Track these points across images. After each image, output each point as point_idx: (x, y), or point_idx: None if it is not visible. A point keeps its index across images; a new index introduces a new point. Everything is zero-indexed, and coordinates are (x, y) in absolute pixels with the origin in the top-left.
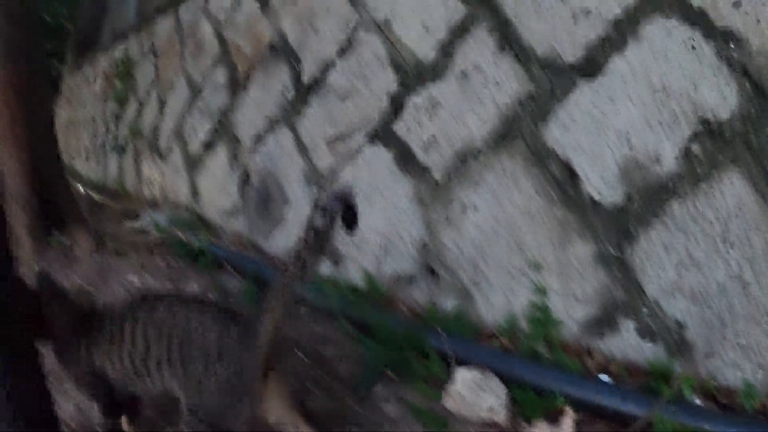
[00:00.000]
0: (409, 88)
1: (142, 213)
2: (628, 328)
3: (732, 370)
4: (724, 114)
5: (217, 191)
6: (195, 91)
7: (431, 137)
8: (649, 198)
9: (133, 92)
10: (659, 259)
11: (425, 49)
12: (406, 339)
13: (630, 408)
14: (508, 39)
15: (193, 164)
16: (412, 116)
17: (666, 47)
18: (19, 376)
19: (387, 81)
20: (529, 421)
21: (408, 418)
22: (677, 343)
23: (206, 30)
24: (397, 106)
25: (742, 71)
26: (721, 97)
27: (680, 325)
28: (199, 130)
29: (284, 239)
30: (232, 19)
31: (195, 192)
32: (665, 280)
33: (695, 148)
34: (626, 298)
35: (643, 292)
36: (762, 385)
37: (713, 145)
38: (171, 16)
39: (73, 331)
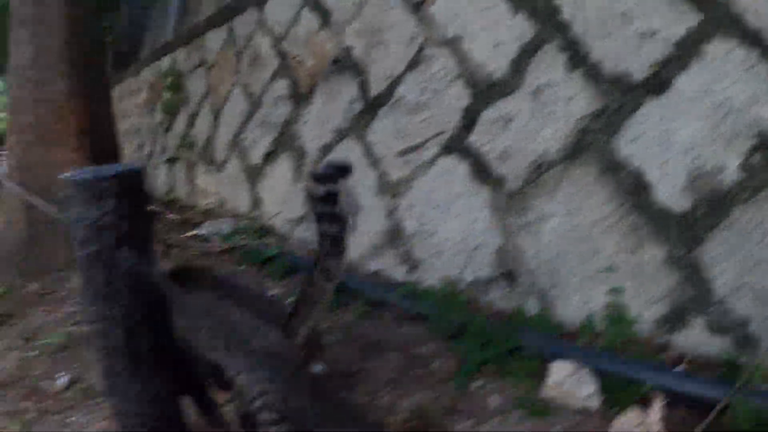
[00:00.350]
0: (482, 103)
1: (200, 222)
2: (698, 324)
3: None
4: None
5: (281, 201)
6: (253, 103)
7: (505, 149)
8: (715, 205)
9: (183, 104)
10: (725, 260)
11: (496, 66)
12: (498, 337)
13: (710, 394)
14: (578, 57)
15: (253, 174)
16: (485, 129)
17: (726, 66)
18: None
19: (458, 95)
20: (620, 409)
21: (510, 408)
22: (743, 337)
23: (263, 43)
24: (469, 119)
25: None
26: None
27: (746, 321)
28: (259, 141)
29: (357, 246)
30: (292, 33)
31: (256, 201)
32: (731, 280)
33: (755, 159)
34: (696, 296)
35: (711, 291)
36: None
37: None
38: (223, 30)
39: None
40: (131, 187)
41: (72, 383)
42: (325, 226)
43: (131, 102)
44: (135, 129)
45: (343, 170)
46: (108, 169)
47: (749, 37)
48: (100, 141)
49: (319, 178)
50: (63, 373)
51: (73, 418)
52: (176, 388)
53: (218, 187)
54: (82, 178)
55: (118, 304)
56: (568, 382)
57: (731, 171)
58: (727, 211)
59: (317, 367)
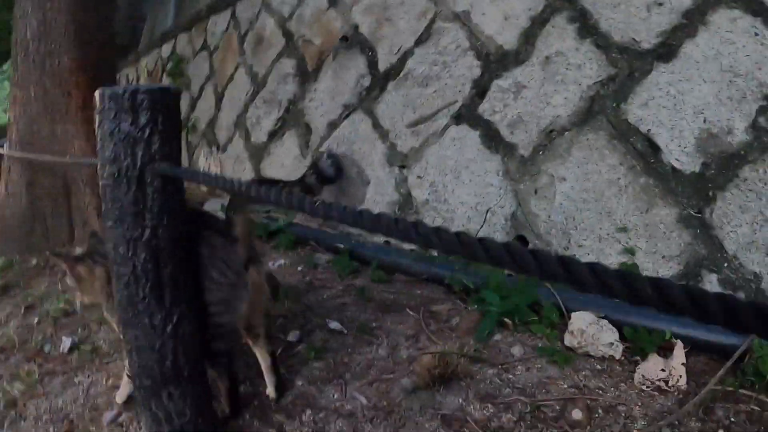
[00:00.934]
0: (493, 73)
1: (202, 201)
2: (711, 280)
3: None
4: None
5: (286, 176)
6: (258, 83)
7: (517, 116)
8: (724, 165)
9: (184, 88)
10: (736, 218)
11: (507, 37)
12: (516, 292)
13: (728, 341)
14: (588, 27)
15: (257, 153)
16: (497, 98)
17: (732, 33)
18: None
19: (469, 66)
20: (642, 356)
21: (533, 357)
22: (756, 292)
23: (268, 24)
24: (480, 89)
25: None
26: None
27: (757, 276)
28: (264, 120)
29: None
30: (299, 13)
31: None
32: (742, 237)
33: (762, 120)
34: (708, 254)
35: (723, 248)
36: None
37: None
38: (227, 14)
39: None
40: (166, 104)
41: (77, 346)
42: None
43: None
44: None
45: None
46: (142, 86)
47: (753, 6)
48: None
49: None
50: (67, 337)
51: (80, 378)
52: (198, 325)
53: (221, 168)
54: (118, 91)
55: (146, 225)
56: (590, 330)
57: (739, 132)
58: (737, 171)
59: (333, 324)
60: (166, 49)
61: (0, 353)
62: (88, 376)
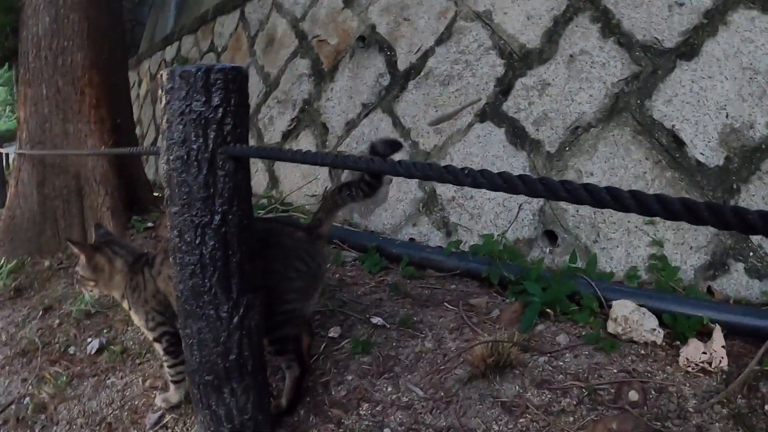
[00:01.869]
0: (517, 71)
1: None
2: (738, 269)
3: None
4: None
5: (302, 177)
6: (270, 83)
7: (542, 113)
8: (747, 158)
9: None
10: (759, 207)
11: (530, 36)
12: (556, 283)
13: (764, 323)
14: (610, 27)
15: None
16: (521, 96)
17: (751, 32)
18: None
19: (492, 65)
20: (682, 341)
21: (579, 344)
22: None
23: (280, 24)
24: (504, 87)
25: None
26: None
27: None
28: (278, 119)
29: (389, 216)
30: (312, 14)
31: (274, 181)
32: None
33: None
34: (734, 244)
35: (748, 238)
36: None
37: None
38: (234, 15)
39: None
40: (239, 84)
41: (105, 347)
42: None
43: (131, 94)
44: (136, 120)
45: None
46: (215, 65)
47: None
48: (117, 113)
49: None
50: (92, 338)
51: (112, 379)
52: (262, 316)
53: None
54: (190, 69)
55: (216, 210)
56: (633, 317)
57: (761, 127)
58: (759, 164)
59: (375, 319)
60: (170, 52)
61: (22, 356)
62: (121, 377)
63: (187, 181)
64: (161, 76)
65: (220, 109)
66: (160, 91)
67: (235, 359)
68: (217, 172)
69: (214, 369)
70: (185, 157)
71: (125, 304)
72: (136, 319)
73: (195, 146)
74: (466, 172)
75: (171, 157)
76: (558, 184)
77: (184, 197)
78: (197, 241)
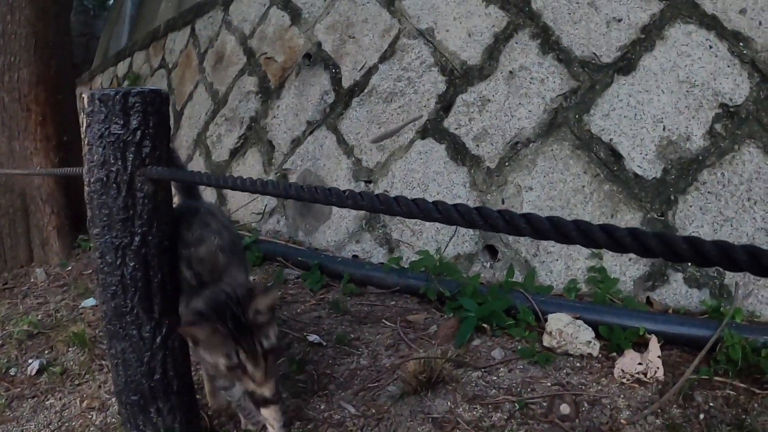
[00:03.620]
0: (458, 87)
1: None
2: (677, 279)
3: (767, 307)
4: (738, 99)
5: (249, 195)
6: (218, 100)
7: (482, 129)
8: (684, 170)
9: None
10: (697, 219)
11: (471, 53)
12: (492, 297)
13: (699, 333)
14: (550, 43)
15: (219, 171)
16: (462, 112)
17: (687, 47)
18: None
19: (434, 82)
20: (619, 353)
21: (514, 359)
22: (719, 288)
23: (229, 41)
24: (445, 103)
25: (751, 64)
26: (735, 85)
27: (720, 274)
28: (226, 137)
29: (333, 234)
30: (260, 31)
31: (222, 198)
32: (704, 237)
33: (718, 127)
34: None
35: None
36: None
37: (732, 124)
38: (185, 32)
39: None
40: (158, 107)
41: (45, 368)
42: None
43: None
44: None
45: None
46: (133, 88)
47: (706, 21)
48: (63, 131)
49: None
50: (34, 359)
51: (51, 401)
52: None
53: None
54: (108, 93)
55: (135, 231)
56: (568, 330)
57: (697, 138)
58: (696, 175)
59: (312, 337)
60: (122, 68)
61: None
62: (60, 398)
63: (107, 203)
64: (82, 99)
65: (139, 132)
66: (81, 114)
67: (160, 379)
68: (136, 194)
69: (140, 389)
70: (105, 179)
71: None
72: None
73: (114, 168)
74: (399, 202)
75: (91, 179)
76: (496, 214)
77: (105, 219)
78: (118, 263)
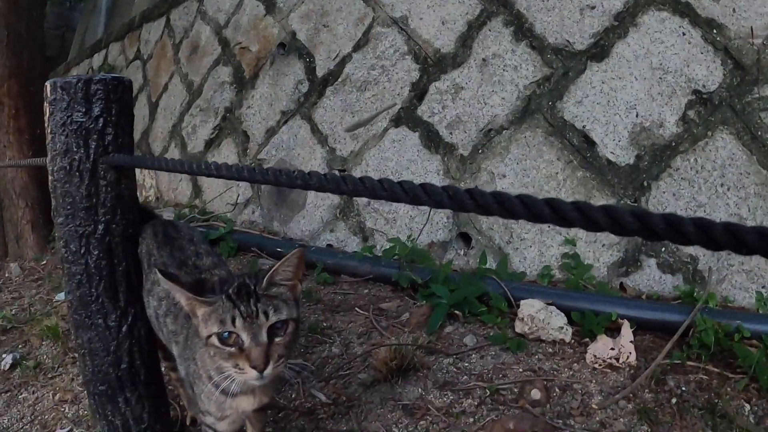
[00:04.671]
0: (431, 76)
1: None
2: (650, 265)
3: (740, 292)
4: (712, 85)
5: (224, 185)
6: (193, 91)
7: (455, 117)
8: (657, 156)
9: None
10: (670, 205)
11: (444, 41)
12: (464, 285)
13: (672, 318)
14: (523, 30)
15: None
16: (435, 100)
17: (661, 33)
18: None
19: (408, 70)
20: (591, 338)
21: (486, 345)
22: (692, 273)
23: (204, 32)
24: (419, 91)
25: (724, 51)
26: (708, 72)
27: (693, 258)
28: (201, 128)
29: (308, 223)
30: (235, 21)
31: (197, 190)
32: None
33: (691, 113)
34: (646, 241)
35: None
36: None
37: (705, 111)
38: (160, 23)
39: None
40: (120, 95)
41: (18, 362)
42: None
43: None
44: None
45: None
46: (96, 75)
47: (680, 8)
48: (37, 124)
49: None
50: (7, 354)
51: (24, 395)
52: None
53: (156, 179)
54: (69, 81)
55: (99, 219)
56: (540, 316)
57: (670, 125)
58: (669, 161)
59: None
60: (97, 60)
61: None
62: (33, 392)
63: (70, 191)
64: (46, 87)
65: (101, 120)
66: (45, 103)
67: (127, 368)
68: (99, 182)
69: (107, 379)
70: (68, 167)
71: None
72: None
73: (77, 157)
74: (366, 183)
75: (55, 168)
76: (464, 193)
77: (68, 207)
78: (82, 251)
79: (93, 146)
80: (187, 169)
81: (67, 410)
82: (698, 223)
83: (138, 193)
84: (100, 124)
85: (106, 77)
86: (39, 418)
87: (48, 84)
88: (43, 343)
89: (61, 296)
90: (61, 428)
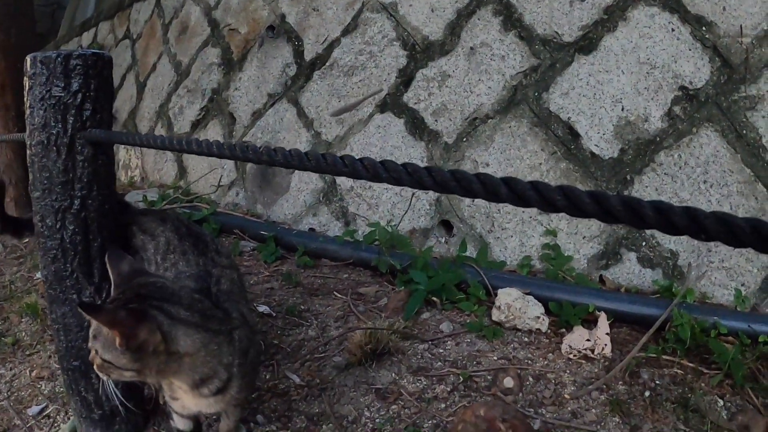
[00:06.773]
0: (418, 63)
1: (122, 194)
2: (630, 258)
3: (719, 288)
4: (699, 82)
5: (208, 166)
6: (181, 72)
7: (441, 105)
8: (641, 150)
9: None
10: (652, 199)
11: (433, 28)
12: (443, 271)
13: (649, 312)
14: (512, 20)
15: None
16: (421, 87)
17: (650, 29)
18: None
19: (395, 56)
20: (567, 329)
21: (462, 332)
22: (672, 268)
23: (194, 12)
24: (406, 78)
25: (712, 48)
26: (696, 68)
27: (674, 254)
28: (187, 109)
29: (290, 207)
30: (225, 2)
31: (182, 171)
32: None
33: (677, 109)
34: (626, 233)
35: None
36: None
37: (691, 107)
38: (150, 2)
39: None
40: (99, 70)
41: None
42: None
43: None
44: None
45: None
46: (75, 51)
47: (670, 4)
48: (23, 100)
49: None
50: None
51: (2, 371)
52: None
53: (142, 160)
54: (49, 55)
55: (75, 195)
56: (517, 305)
57: (655, 120)
58: (653, 156)
59: (262, 308)
60: (87, 38)
61: None
62: (10, 369)
63: (47, 165)
64: (26, 61)
65: (80, 95)
66: (24, 77)
67: None
68: (76, 157)
69: (80, 354)
70: (45, 142)
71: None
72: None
73: (54, 131)
74: (346, 162)
75: (33, 143)
76: (447, 174)
77: (45, 182)
78: (58, 226)
79: (71, 121)
80: (167, 145)
81: (43, 387)
82: (688, 212)
83: (124, 173)
84: (79, 99)
85: (86, 53)
86: (15, 394)
87: (28, 58)
88: (23, 320)
89: (41, 274)
90: (36, 404)
